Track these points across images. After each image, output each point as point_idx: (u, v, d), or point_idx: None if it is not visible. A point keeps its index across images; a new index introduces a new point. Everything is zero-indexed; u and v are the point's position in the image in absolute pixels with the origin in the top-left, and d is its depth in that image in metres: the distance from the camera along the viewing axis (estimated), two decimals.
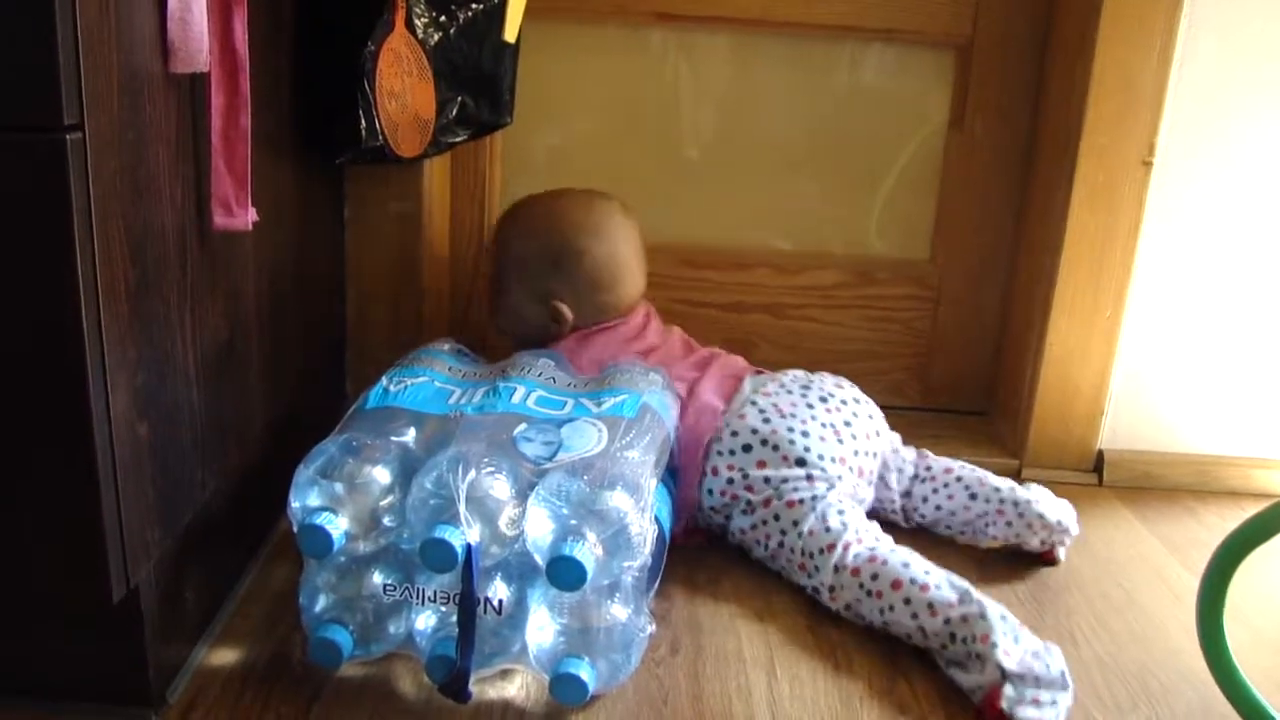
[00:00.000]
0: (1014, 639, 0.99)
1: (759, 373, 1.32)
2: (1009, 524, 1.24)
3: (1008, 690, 0.95)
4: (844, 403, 1.27)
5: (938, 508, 1.28)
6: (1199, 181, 1.41)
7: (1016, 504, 1.24)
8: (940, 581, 1.06)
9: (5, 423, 0.77)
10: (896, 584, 1.07)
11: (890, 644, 1.08)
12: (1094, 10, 1.36)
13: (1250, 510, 0.92)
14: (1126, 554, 1.30)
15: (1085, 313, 1.45)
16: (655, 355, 1.33)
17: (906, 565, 1.08)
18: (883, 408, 1.33)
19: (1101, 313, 1.45)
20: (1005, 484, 1.27)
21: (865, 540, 1.13)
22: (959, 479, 1.29)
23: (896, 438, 1.34)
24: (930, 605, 1.04)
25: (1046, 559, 1.26)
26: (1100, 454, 1.50)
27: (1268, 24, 1.36)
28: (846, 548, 1.12)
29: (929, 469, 1.31)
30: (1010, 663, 0.97)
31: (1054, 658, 0.98)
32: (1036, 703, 0.95)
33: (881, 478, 1.30)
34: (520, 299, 1.35)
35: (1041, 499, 1.25)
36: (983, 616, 1.01)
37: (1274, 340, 1.47)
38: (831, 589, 1.12)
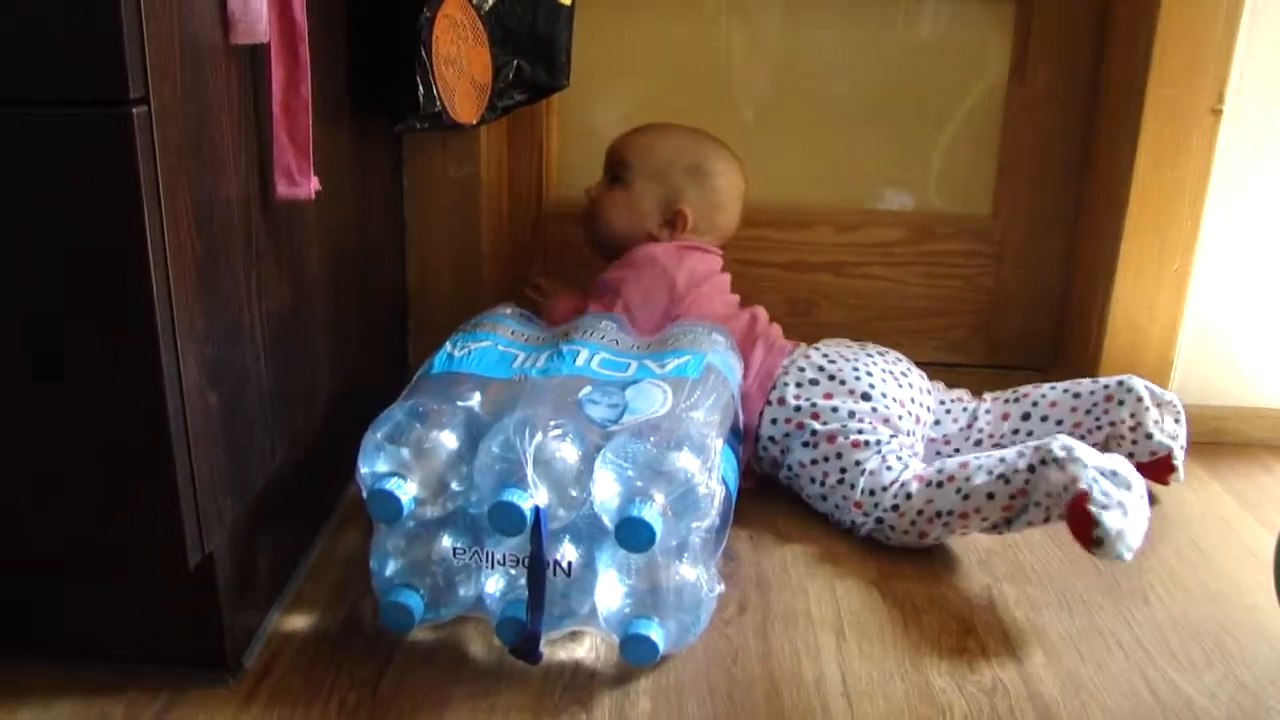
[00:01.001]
0: (1098, 472, 1.02)
1: (798, 345, 1.34)
2: (1105, 412, 1.27)
3: (1095, 493, 0.99)
4: (898, 359, 1.30)
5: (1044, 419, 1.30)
6: (1272, 129, 1.37)
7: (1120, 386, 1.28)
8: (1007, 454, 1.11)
9: (82, 394, 0.78)
10: (964, 464, 1.12)
11: (960, 602, 1.07)
12: None
13: None
14: (1200, 511, 1.28)
15: (1152, 267, 1.42)
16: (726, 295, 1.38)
17: (965, 463, 1.12)
18: (946, 365, 1.33)
19: (1169, 266, 1.42)
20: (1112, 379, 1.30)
21: (924, 473, 1.15)
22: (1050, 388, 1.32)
23: (940, 386, 1.36)
24: (1003, 459, 1.10)
25: (1162, 473, 1.26)
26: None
27: None
28: (918, 479, 1.14)
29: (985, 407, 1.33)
30: (1090, 458, 1.02)
31: (1131, 472, 1.03)
32: (1122, 506, 0.98)
33: (938, 423, 1.32)
34: (644, 194, 1.38)
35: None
36: (1060, 463, 1.04)
37: None
38: (895, 508, 1.14)
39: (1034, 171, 1.56)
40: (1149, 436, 1.25)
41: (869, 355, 1.28)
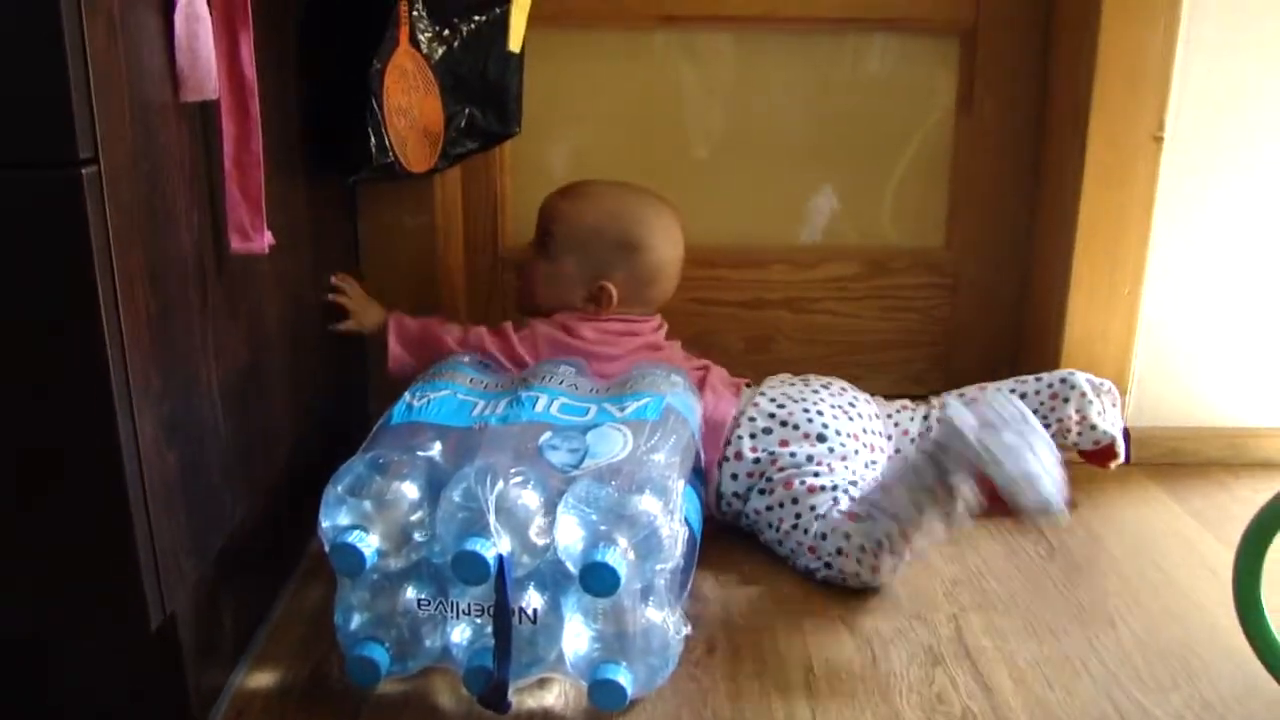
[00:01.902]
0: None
1: (749, 384, 1.35)
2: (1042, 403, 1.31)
3: (989, 468, 1.03)
4: (843, 389, 1.31)
5: None
6: (1214, 153, 1.40)
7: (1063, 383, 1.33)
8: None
9: (35, 458, 0.77)
10: (882, 485, 1.13)
11: (927, 633, 1.07)
12: None
13: None
14: (1159, 531, 1.29)
15: (1104, 292, 1.44)
16: (661, 355, 1.35)
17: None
18: (906, 397, 1.33)
19: (1120, 291, 1.44)
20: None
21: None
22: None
23: (901, 408, 1.37)
24: (915, 480, 1.10)
25: (1106, 459, 1.32)
26: (1127, 431, 1.49)
27: None
28: (837, 525, 1.15)
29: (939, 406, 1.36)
30: (966, 423, 1.05)
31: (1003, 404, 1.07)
32: (1014, 450, 1.02)
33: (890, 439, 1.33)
34: (569, 267, 1.34)
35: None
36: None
37: None
38: (839, 550, 1.14)
39: (985, 202, 1.58)
40: (1093, 427, 1.31)
41: (815, 392, 1.28)
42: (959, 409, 1.06)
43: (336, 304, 1.30)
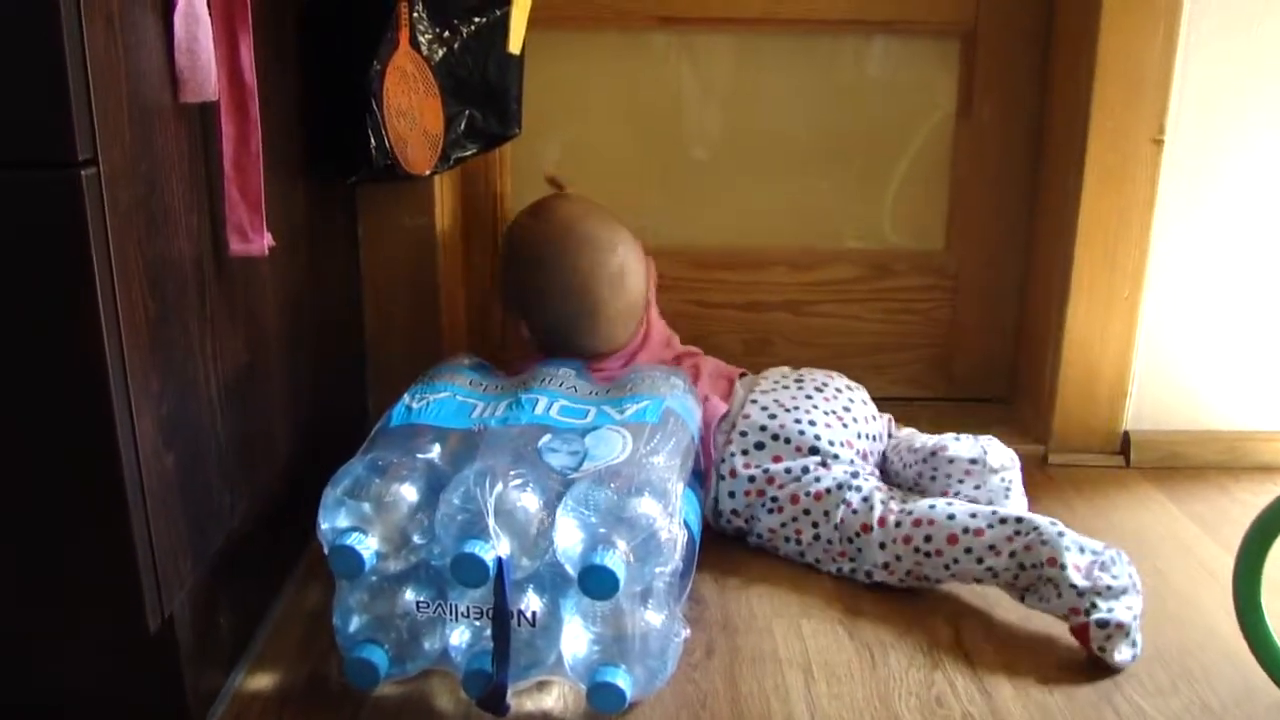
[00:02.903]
0: (1079, 550, 1.05)
1: (744, 374, 1.34)
2: (948, 487, 1.23)
3: (1094, 630, 1.02)
4: (838, 391, 1.29)
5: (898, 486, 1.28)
6: (1213, 156, 1.40)
7: (934, 456, 1.25)
8: (991, 520, 1.10)
9: (35, 460, 0.77)
10: (952, 538, 1.10)
11: (927, 636, 1.07)
12: None
13: None
14: (1158, 535, 1.29)
15: (1103, 294, 1.44)
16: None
17: (952, 516, 1.11)
18: (906, 399, 1.33)
19: (1119, 294, 1.44)
20: (929, 446, 1.26)
21: (895, 506, 1.15)
22: (899, 457, 1.30)
23: (888, 419, 1.35)
24: (992, 547, 1.09)
25: None
26: (1126, 435, 1.49)
27: None
28: (883, 521, 1.14)
29: (896, 441, 1.33)
30: (1080, 578, 1.03)
31: (1120, 565, 1.05)
32: (1119, 627, 1.01)
33: (884, 455, 1.32)
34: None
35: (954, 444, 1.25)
36: (1044, 541, 1.06)
37: None
38: (886, 565, 1.14)
39: (985, 205, 1.58)
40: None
41: (808, 397, 1.26)
42: (1081, 553, 1.06)
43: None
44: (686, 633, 0.97)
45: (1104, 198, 1.40)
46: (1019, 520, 1.09)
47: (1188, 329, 1.46)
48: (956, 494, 1.22)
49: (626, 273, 1.28)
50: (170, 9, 0.81)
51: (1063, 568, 1.04)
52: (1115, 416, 1.49)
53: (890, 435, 1.34)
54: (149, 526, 0.80)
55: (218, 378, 0.93)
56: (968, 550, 1.10)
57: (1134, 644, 1.02)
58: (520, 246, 1.32)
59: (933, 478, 1.24)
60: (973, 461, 1.22)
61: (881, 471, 1.31)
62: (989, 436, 1.25)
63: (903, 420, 1.37)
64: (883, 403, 1.36)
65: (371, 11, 1.17)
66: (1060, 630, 1.07)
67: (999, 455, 1.23)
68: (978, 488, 1.22)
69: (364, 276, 1.42)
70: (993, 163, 1.57)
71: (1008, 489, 1.23)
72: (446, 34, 1.23)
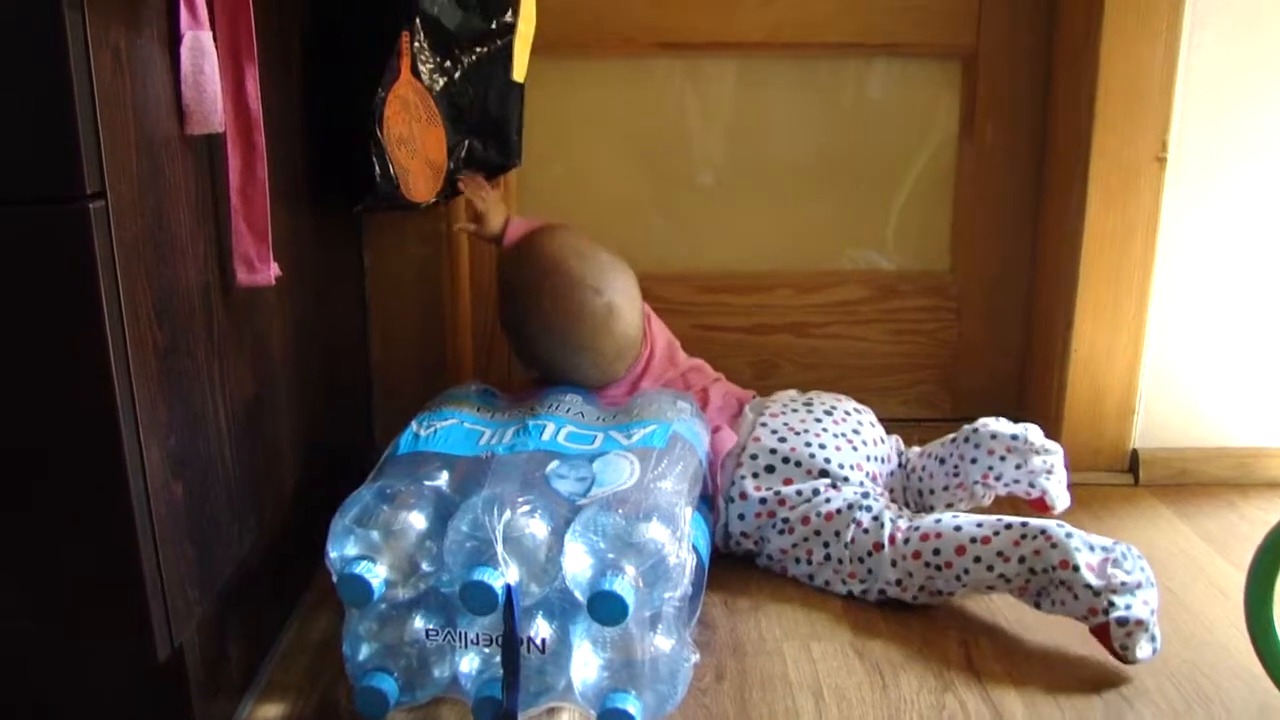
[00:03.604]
0: (1089, 549, 1.06)
1: (754, 397, 1.35)
2: (990, 467, 1.24)
3: (1115, 629, 1.02)
4: (847, 414, 1.30)
5: (931, 491, 1.29)
6: (1216, 173, 1.40)
7: (975, 433, 1.26)
8: (997, 527, 1.10)
9: (45, 492, 0.77)
10: (960, 549, 1.11)
11: (937, 657, 1.07)
12: (1097, 11, 1.36)
13: None
14: (1168, 553, 1.29)
15: (1108, 313, 1.44)
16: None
17: (958, 528, 1.12)
18: (914, 420, 1.33)
19: (1125, 312, 1.44)
20: (963, 430, 1.28)
21: (903, 524, 1.16)
22: (929, 455, 1.32)
23: (896, 439, 1.36)
24: (1000, 553, 1.09)
25: (1040, 505, 1.24)
26: (1135, 453, 1.49)
27: (1272, 11, 1.35)
28: (893, 540, 1.14)
29: (907, 459, 1.34)
30: (1094, 578, 1.04)
31: (1131, 560, 1.06)
32: (1139, 624, 1.02)
33: (907, 464, 1.33)
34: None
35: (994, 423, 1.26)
36: (1053, 544, 1.06)
37: None
38: (898, 582, 1.14)
39: (989, 225, 1.59)
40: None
41: (818, 420, 1.26)
42: (1091, 551, 1.07)
43: (469, 204, 1.33)
44: (696, 657, 0.97)
45: (1108, 216, 1.41)
46: (1024, 524, 1.09)
47: (1194, 345, 1.46)
48: (999, 476, 1.23)
49: (614, 313, 1.25)
50: (176, 42, 0.82)
51: (1075, 569, 1.04)
52: (1123, 434, 1.49)
53: (900, 455, 1.34)
54: (158, 556, 0.80)
55: (226, 408, 0.93)
56: (977, 559, 1.10)
57: (1153, 639, 1.03)
58: (509, 288, 1.30)
59: (973, 460, 1.25)
60: (1014, 437, 1.23)
61: (904, 484, 1.32)
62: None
63: (910, 441, 1.37)
64: (890, 424, 1.37)
65: (374, 41, 1.17)
66: (1070, 647, 1.07)
67: (1039, 435, 1.24)
68: (1019, 466, 1.23)
69: (370, 305, 1.43)
70: (996, 183, 1.57)
71: (1049, 471, 1.23)
72: (448, 63, 1.24)
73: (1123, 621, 1.02)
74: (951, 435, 1.29)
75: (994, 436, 1.24)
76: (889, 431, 1.34)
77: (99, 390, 0.74)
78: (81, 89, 0.70)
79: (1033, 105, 1.53)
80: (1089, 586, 1.04)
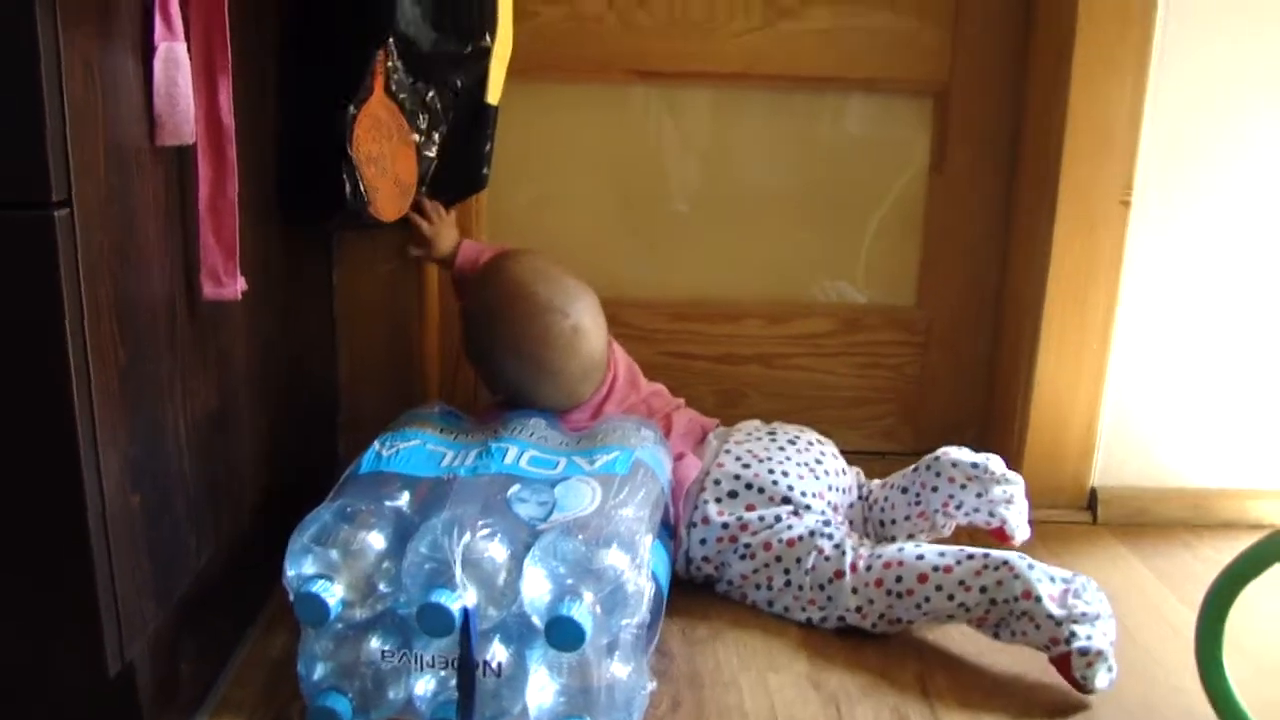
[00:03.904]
0: (1050, 580, 1.08)
1: (718, 425, 1.35)
2: (950, 495, 1.25)
3: (1076, 659, 1.04)
4: (810, 444, 1.30)
5: (893, 521, 1.30)
6: (1180, 215, 1.42)
7: (937, 461, 1.27)
8: (959, 557, 1.12)
9: None
10: (922, 577, 1.12)
11: (893, 689, 1.07)
12: (1066, 54, 1.38)
13: (1246, 542, 0.93)
14: (1124, 590, 1.30)
15: (1072, 351, 1.46)
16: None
17: (920, 556, 1.13)
18: (876, 453, 1.34)
19: (1089, 349, 1.45)
20: (924, 459, 1.29)
21: (865, 552, 1.17)
22: (891, 485, 1.32)
23: (858, 472, 1.36)
24: (961, 582, 1.10)
25: (1000, 535, 1.25)
26: (1093, 491, 1.50)
27: (1237, 57, 1.38)
28: (855, 567, 1.15)
29: (868, 490, 1.35)
30: (1056, 608, 1.06)
31: (1090, 591, 1.09)
32: (1099, 654, 1.04)
33: (868, 496, 1.34)
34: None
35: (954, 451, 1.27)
36: (1016, 575, 1.08)
37: (1264, 370, 1.48)
38: (858, 609, 1.15)
39: (956, 261, 1.60)
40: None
41: (781, 449, 1.27)
42: (1053, 582, 1.08)
43: (414, 225, 1.33)
44: (653, 685, 0.97)
45: (1073, 255, 1.42)
46: (986, 555, 1.10)
47: (1155, 386, 1.48)
48: (959, 505, 1.24)
49: (580, 334, 1.25)
50: (150, 52, 0.81)
51: (1038, 600, 1.05)
52: (1083, 472, 1.50)
53: (861, 487, 1.34)
54: (112, 568, 0.79)
55: (187, 420, 0.93)
56: (938, 588, 1.10)
57: (1110, 669, 1.05)
58: (473, 311, 1.30)
59: (934, 488, 1.26)
60: (974, 465, 1.24)
61: (865, 516, 1.32)
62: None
63: (872, 474, 1.37)
64: (853, 456, 1.37)
65: (349, 58, 1.17)
66: (1025, 678, 1.08)
67: (1000, 465, 1.25)
68: (979, 495, 1.24)
69: (338, 321, 1.42)
70: (964, 219, 1.58)
71: (1009, 500, 1.24)
72: (420, 84, 1.24)
73: (1084, 651, 1.03)
74: (914, 465, 1.29)
75: (955, 465, 1.25)
76: (850, 464, 1.35)
77: (58, 398, 0.73)
78: (51, 96, 0.69)
79: (1003, 142, 1.55)
80: (1051, 617, 1.05)
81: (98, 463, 0.77)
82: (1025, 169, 1.52)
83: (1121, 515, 1.49)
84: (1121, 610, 1.23)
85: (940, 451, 1.27)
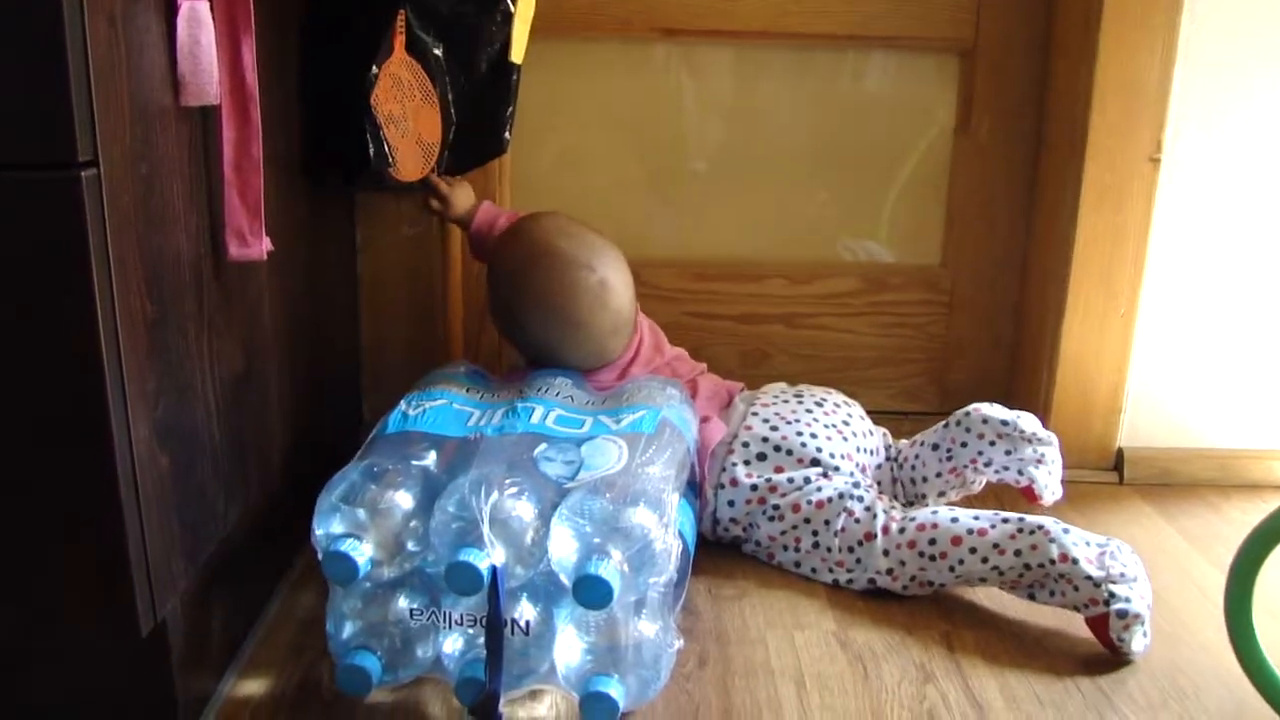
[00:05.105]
0: (1085, 544, 1.08)
1: (742, 389, 1.35)
2: (980, 451, 1.25)
3: (1114, 621, 1.04)
4: (837, 406, 1.30)
5: (924, 479, 1.30)
6: (1209, 175, 1.41)
7: (967, 416, 1.26)
8: (994, 520, 1.11)
9: (29, 460, 0.77)
10: (956, 540, 1.11)
11: (920, 646, 1.07)
12: (1095, 11, 1.36)
13: (1274, 503, 0.92)
14: (1150, 551, 1.29)
15: (1098, 312, 1.45)
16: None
17: (955, 519, 1.13)
18: (900, 413, 1.34)
19: (1115, 311, 1.44)
20: (955, 415, 1.29)
21: (897, 515, 1.16)
22: (922, 442, 1.31)
23: (885, 433, 1.36)
24: (996, 545, 1.10)
25: (1029, 495, 1.25)
26: (1120, 452, 1.49)
27: (1270, 14, 1.36)
28: (887, 530, 1.15)
29: (897, 450, 1.34)
30: (1094, 569, 1.06)
31: (1125, 553, 1.08)
32: (1136, 617, 1.04)
33: (897, 456, 1.34)
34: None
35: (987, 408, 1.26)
36: (1051, 539, 1.07)
37: None
38: (889, 571, 1.15)
39: (981, 221, 1.59)
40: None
41: (808, 411, 1.27)
42: (1088, 545, 1.08)
43: (433, 184, 1.32)
44: (680, 643, 0.97)
45: (1101, 215, 1.41)
46: (1021, 519, 1.10)
47: (1181, 346, 1.47)
48: (988, 462, 1.24)
49: (608, 288, 1.25)
50: (173, 12, 0.81)
51: (1075, 561, 1.06)
52: (1109, 433, 1.49)
53: (888, 448, 1.34)
54: (142, 528, 0.80)
55: (214, 381, 0.93)
56: (972, 550, 1.10)
57: (1146, 634, 1.05)
58: (499, 272, 1.29)
59: (964, 444, 1.25)
60: (1004, 423, 1.23)
61: (894, 475, 1.32)
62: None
63: (898, 434, 1.37)
64: (878, 416, 1.37)
65: (371, 17, 1.17)
66: (1050, 640, 1.08)
67: (1033, 424, 1.24)
68: (1009, 453, 1.23)
69: (362, 283, 1.42)
70: (990, 179, 1.57)
71: (1040, 460, 1.23)
72: (441, 44, 1.23)
73: (1122, 614, 1.04)
74: (944, 421, 1.29)
75: (985, 421, 1.24)
76: (876, 424, 1.35)
77: (87, 359, 0.74)
78: (76, 56, 0.69)
79: (1029, 101, 1.53)
80: (1089, 578, 1.05)
81: (128, 423, 0.77)
82: (1052, 127, 1.51)
83: (1148, 476, 1.49)
84: (1149, 572, 1.23)
85: (971, 407, 1.26)
